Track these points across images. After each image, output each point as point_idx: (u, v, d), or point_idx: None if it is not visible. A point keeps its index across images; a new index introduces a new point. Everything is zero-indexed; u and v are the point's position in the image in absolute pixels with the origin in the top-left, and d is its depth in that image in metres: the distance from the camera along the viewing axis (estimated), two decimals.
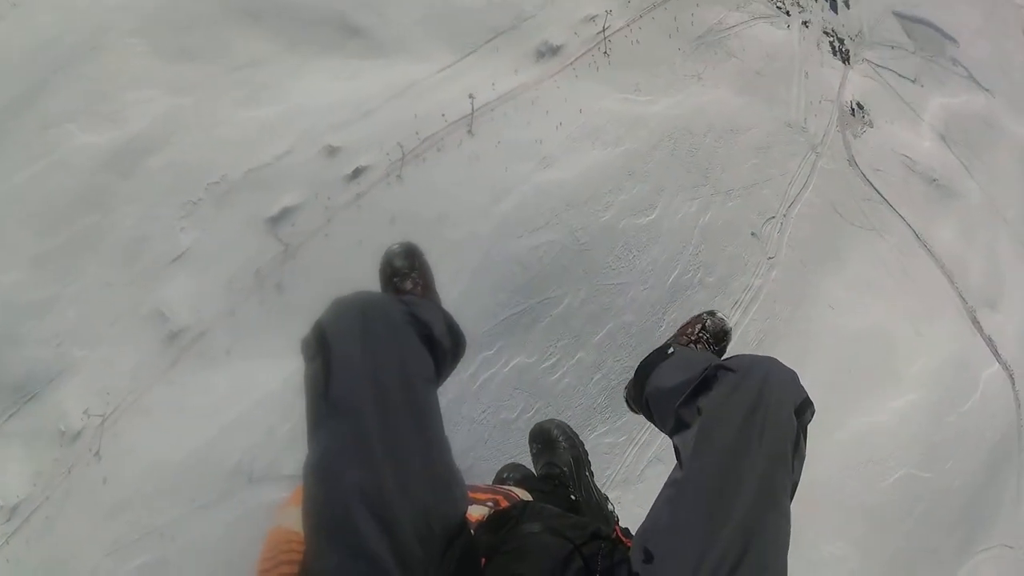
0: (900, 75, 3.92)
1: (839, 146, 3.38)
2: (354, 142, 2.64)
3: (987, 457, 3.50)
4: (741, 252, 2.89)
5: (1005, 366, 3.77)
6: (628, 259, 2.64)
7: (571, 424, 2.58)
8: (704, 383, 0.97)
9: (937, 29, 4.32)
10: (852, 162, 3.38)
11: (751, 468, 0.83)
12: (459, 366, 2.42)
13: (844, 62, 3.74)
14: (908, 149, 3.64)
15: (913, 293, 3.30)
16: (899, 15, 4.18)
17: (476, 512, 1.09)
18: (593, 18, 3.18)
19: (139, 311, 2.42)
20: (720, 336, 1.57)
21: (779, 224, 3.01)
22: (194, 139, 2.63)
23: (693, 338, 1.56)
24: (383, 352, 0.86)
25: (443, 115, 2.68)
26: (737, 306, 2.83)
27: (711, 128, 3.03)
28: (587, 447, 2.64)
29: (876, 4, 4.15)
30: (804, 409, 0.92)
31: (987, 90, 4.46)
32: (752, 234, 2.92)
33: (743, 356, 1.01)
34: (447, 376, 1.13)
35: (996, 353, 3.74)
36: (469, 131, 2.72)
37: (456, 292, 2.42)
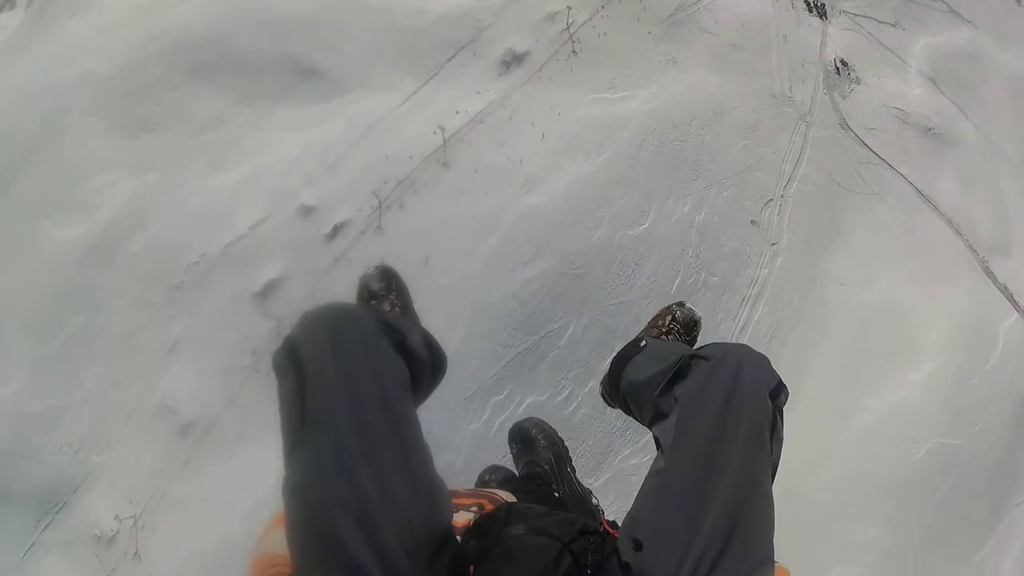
0: (880, 22, 3.78)
1: (828, 111, 3.26)
2: (327, 197, 2.53)
3: (1014, 411, 3.45)
4: (742, 244, 2.79)
5: None
6: (627, 275, 2.54)
7: (593, 451, 2.53)
8: (679, 372, 1.01)
9: None
10: (844, 125, 3.26)
11: (731, 452, 0.85)
12: (472, 414, 2.39)
13: (821, 18, 3.60)
14: (899, 100, 3.52)
15: (922, 255, 3.22)
16: None
17: (461, 518, 1.08)
18: (555, 15, 3.02)
19: (147, 407, 2.42)
20: (690, 326, 1.61)
21: (778, 206, 2.92)
22: (167, 218, 2.57)
23: (664, 330, 1.59)
24: (356, 362, 0.85)
25: (412, 156, 2.56)
26: (745, 302, 2.75)
27: (694, 116, 2.91)
28: (612, 472, 2.60)
29: None
30: (778, 392, 0.95)
31: (969, 22, 4.32)
32: (752, 222, 2.82)
33: (715, 344, 1.05)
34: (428, 392, 1.10)
35: (1013, 301, 3.68)
36: (443, 164, 2.60)
37: (455, 340, 2.34)
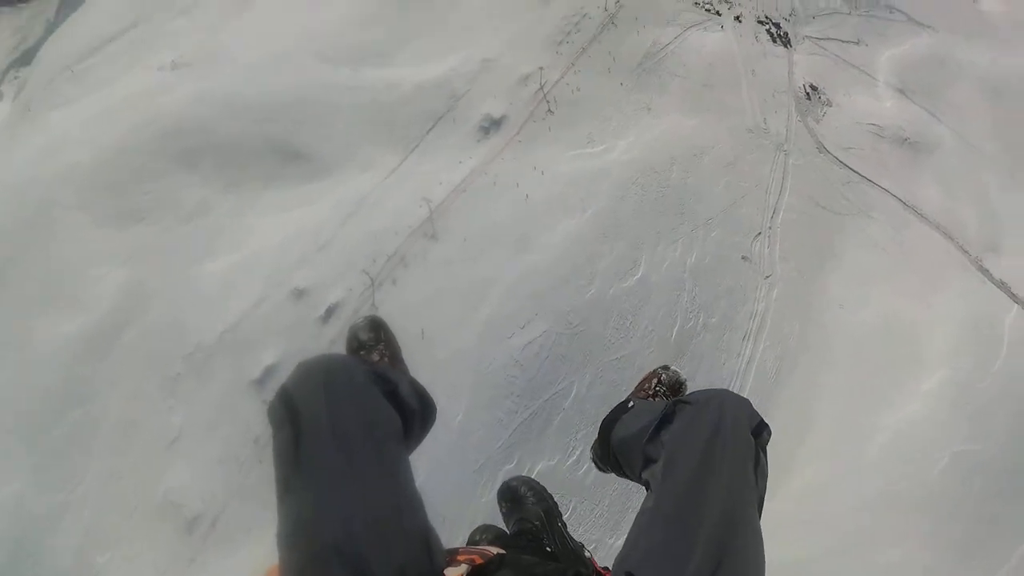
0: (843, 41, 3.88)
1: (804, 136, 3.32)
2: (319, 279, 2.56)
3: None
4: (737, 281, 2.82)
5: None
6: (625, 328, 2.56)
7: (611, 510, 2.51)
8: (665, 418, 1.04)
9: None
10: (821, 149, 3.32)
11: (717, 488, 0.88)
12: (482, 486, 2.38)
13: (786, 46, 3.69)
14: (872, 116, 3.58)
15: (915, 265, 3.24)
16: None
17: (453, 573, 1.08)
18: (527, 77, 3.11)
19: (151, 503, 2.39)
20: (676, 387, 1.64)
21: (767, 239, 2.95)
22: (160, 308, 2.58)
23: (651, 392, 1.62)
24: (349, 412, 0.88)
25: (400, 230, 2.60)
26: (746, 338, 2.76)
27: (673, 159, 2.97)
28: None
29: None
30: (760, 430, 0.99)
31: (929, 27, 4.42)
32: (743, 258, 2.85)
33: (698, 391, 1.10)
34: (419, 440, 1.13)
35: (1012, 295, 3.69)
36: (431, 236, 2.64)
37: (459, 413, 2.34)
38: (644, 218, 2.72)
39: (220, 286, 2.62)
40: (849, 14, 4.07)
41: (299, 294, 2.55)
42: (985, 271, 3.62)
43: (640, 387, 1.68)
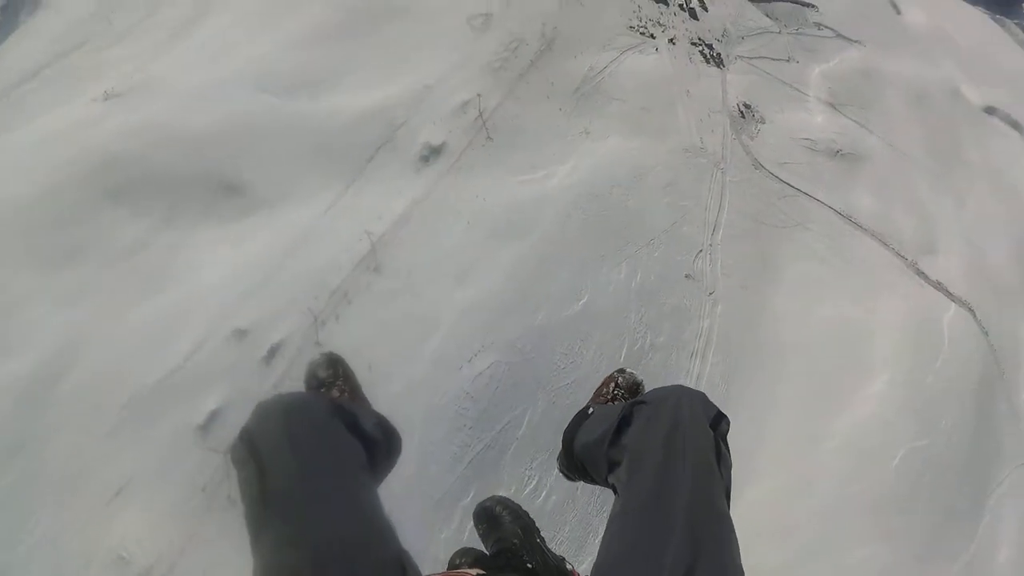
0: (774, 59, 4.05)
1: (740, 154, 3.45)
2: (260, 318, 2.53)
3: (974, 397, 3.60)
4: (682, 300, 2.89)
5: (961, 303, 3.89)
6: (575, 353, 2.60)
7: (572, 536, 2.52)
8: (624, 421, 1.06)
9: (794, 1, 4.49)
10: (757, 165, 3.45)
11: (681, 482, 0.89)
12: (441, 522, 2.37)
13: (719, 67, 3.83)
14: (805, 131, 3.74)
15: (854, 273, 3.37)
16: (755, 0, 4.33)
17: None
18: (466, 104, 3.16)
19: (98, 560, 2.29)
20: (634, 389, 1.68)
21: (708, 256, 3.04)
22: (99, 352, 2.50)
23: (609, 396, 1.66)
24: (312, 446, 0.89)
25: (342, 265, 2.59)
26: (694, 356, 2.83)
27: (614, 183, 3.04)
28: (596, 552, 2.59)
29: None
30: (718, 421, 1.02)
31: (857, 41, 4.66)
32: (687, 276, 2.93)
33: (653, 390, 1.13)
34: (386, 470, 1.14)
35: (949, 294, 3.87)
36: (374, 269, 2.64)
37: (412, 449, 2.33)
38: (588, 242, 2.77)
39: (159, 328, 2.55)
40: (779, 33, 4.26)
41: (240, 334, 2.51)
42: (922, 273, 3.79)
43: (599, 392, 1.74)
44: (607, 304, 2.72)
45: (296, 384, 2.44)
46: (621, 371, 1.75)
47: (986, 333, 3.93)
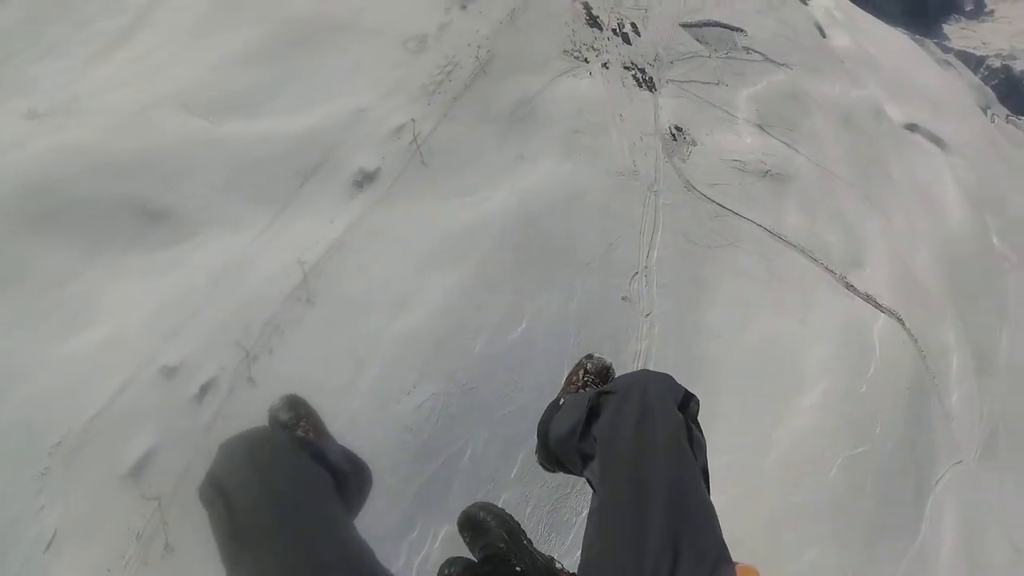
0: (704, 83, 4.23)
1: (672, 176, 3.57)
2: (190, 354, 2.47)
3: (907, 402, 3.78)
4: (619, 322, 2.96)
5: (890, 313, 4.10)
6: (515, 380, 2.62)
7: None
8: (592, 412, 1.07)
9: (724, 26, 4.71)
10: (689, 186, 3.58)
11: (656, 469, 0.90)
12: (388, 560, 2.34)
13: (651, 91, 3.98)
14: (735, 152, 3.91)
15: (786, 288, 3.52)
16: (686, 25, 4.52)
17: None
18: (400, 129, 3.18)
19: None
20: (604, 374, 1.69)
21: (644, 277, 3.12)
22: (22, 393, 2.39)
23: (580, 384, 1.66)
24: (278, 478, 0.90)
25: (273, 296, 2.56)
26: None
27: (550, 207, 3.11)
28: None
29: (663, 23, 4.47)
30: (687, 403, 1.03)
31: (784, 65, 4.91)
32: (623, 298, 3.00)
33: (620, 377, 1.15)
34: (359, 503, 1.15)
35: (878, 305, 4.07)
36: (307, 300, 2.62)
37: None
38: (524, 268, 2.81)
39: (85, 366, 2.46)
40: (709, 57, 4.45)
41: (169, 372, 2.44)
42: (851, 286, 3.98)
43: (569, 381, 1.76)
44: (545, 328, 2.76)
45: (230, 424, 2.39)
46: (589, 356, 1.75)
47: (915, 340, 4.14)
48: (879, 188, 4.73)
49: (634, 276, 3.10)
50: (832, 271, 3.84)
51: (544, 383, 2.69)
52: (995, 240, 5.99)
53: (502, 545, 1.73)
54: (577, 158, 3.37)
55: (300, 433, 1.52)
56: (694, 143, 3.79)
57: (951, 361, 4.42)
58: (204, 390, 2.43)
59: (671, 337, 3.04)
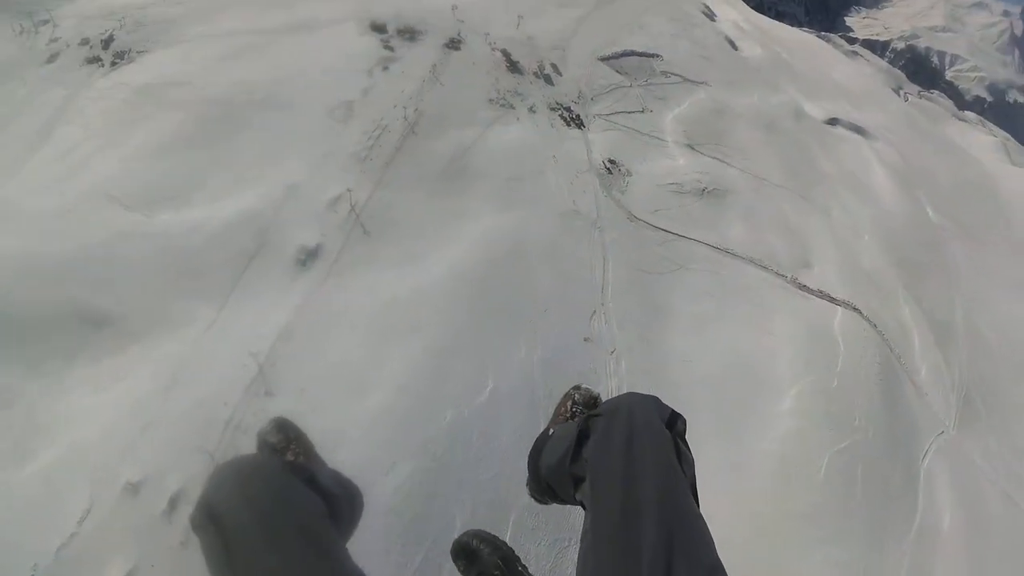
0: (629, 112, 4.38)
1: (613, 210, 3.66)
2: (152, 467, 2.37)
3: (879, 387, 3.88)
4: (585, 364, 2.98)
5: (846, 305, 4.24)
6: (490, 443, 2.60)
7: None
8: (582, 435, 1.11)
9: (640, 54, 4.91)
10: (632, 217, 3.66)
11: (646, 487, 0.94)
12: None
13: (580, 128, 4.09)
14: (670, 176, 4.03)
15: (741, 301, 3.61)
16: (604, 59, 4.70)
17: None
18: (337, 200, 3.19)
19: None
20: (592, 404, 1.74)
21: (603, 315, 3.16)
22: None
23: (568, 415, 1.73)
24: (270, 504, 0.91)
25: (231, 391, 2.50)
26: None
27: (497, 260, 3.14)
28: None
29: (582, 59, 4.63)
30: (674, 421, 1.08)
31: (702, 83, 5.13)
32: (585, 340, 3.02)
33: (607, 401, 1.17)
34: (351, 527, 1.18)
35: (832, 300, 4.20)
36: (266, 393, 2.56)
37: None
38: (482, 326, 2.82)
39: (45, 491, 2.35)
40: (630, 86, 4.62)
41: (133, 489, 2.34)
42: (804, 287, 4.11)
43: (558, 413, 1.80)
44: (514, 385, 2.75)
45: None
46: (576, 388, 1.83)
47: (874, 326, 4.28)
48: (813, 185, 4.93)
49: (593, 315, 3.14)
50: (783, 275, 3.96)
51: (519, 439, 2.68)
52: (930, 212, 6.27)
53: (497, 572, 1.74)
54: (517, 207, 3.42)
55: (290, 456, 1.54)
56: (629, 173, 3.90)
57: (912, 339, 4.57)
58: (174, 503, 2.34)
59: (639, 370, 3.07)
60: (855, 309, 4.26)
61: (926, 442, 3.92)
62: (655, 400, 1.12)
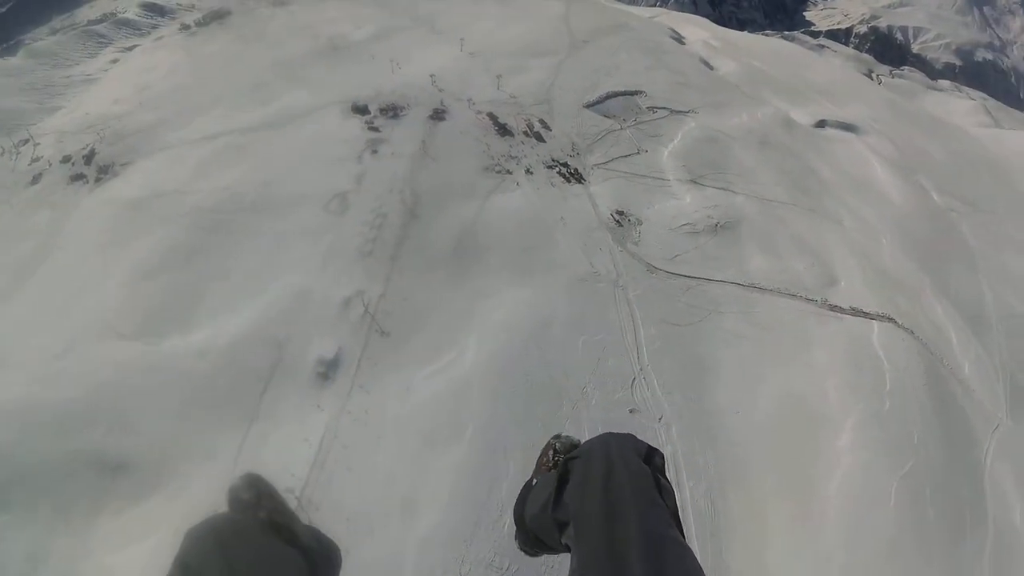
0: (626, 156, 4.35)
1: (631, 263, 3.59)
2: None
3: (929, 396, 3.77)
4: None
5: (880, 317, 4.16)
6: None
7: None
8: (562, 479, 1.10)
9: (623, 93, 4.92)
10: (652, 268, 3.59)
11: (629, 522, 0.94)
12: None
13: (581, 182, 4.05)
14: (680, 216, 3.98)
15: (777, 337, 3.51)
16: (589, 105, 4.70)
17: None
18: (348, 301, 3.10)
19: None
20: (572, 451, 1.70)
21: (643, 381, 3.06)
22: None
23: (550, 465, 1.70)
24: (248, 566, 0.89)
25: None
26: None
27: (525, 340, 3.04)
28: None
29: (567, 110, 4.62)
30: (651, 456, 1.08)
31: (689, 112, 5.13)
32: (631, 412, 2.92)
33: (584, 443, 1.18)
34: None
35: (865, 315, 4.13)
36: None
37: None
38: (523, 416, 2.72)
39: None
40: (621, 128, 4.61)
41: None
42: (836, 307, 4.02)
43: (540, 463, 1.76)
44: None
45: None
46: (557, 436, 1.82)
47: (912, 332, 4.20)
48: (819, 197, 4.90)
49: (633, 383, 3.04)
50: (813, 300, 3.89)
51: None
52: (935, 196, 6.26)
53: None
54: (535, 277, 3.35)
55: (263, 514, 1.46)
56: (640, 221, 3.84)
57: (949, 336, 4.49)
58: None
59: (691, 434, 2.96)
60: (890, 319, 4.18)
61: (984, 441, 3.82)
62: (631, 438, 1.11)
